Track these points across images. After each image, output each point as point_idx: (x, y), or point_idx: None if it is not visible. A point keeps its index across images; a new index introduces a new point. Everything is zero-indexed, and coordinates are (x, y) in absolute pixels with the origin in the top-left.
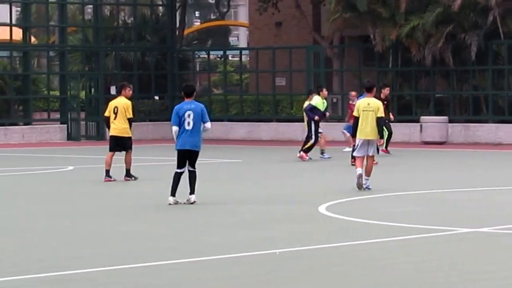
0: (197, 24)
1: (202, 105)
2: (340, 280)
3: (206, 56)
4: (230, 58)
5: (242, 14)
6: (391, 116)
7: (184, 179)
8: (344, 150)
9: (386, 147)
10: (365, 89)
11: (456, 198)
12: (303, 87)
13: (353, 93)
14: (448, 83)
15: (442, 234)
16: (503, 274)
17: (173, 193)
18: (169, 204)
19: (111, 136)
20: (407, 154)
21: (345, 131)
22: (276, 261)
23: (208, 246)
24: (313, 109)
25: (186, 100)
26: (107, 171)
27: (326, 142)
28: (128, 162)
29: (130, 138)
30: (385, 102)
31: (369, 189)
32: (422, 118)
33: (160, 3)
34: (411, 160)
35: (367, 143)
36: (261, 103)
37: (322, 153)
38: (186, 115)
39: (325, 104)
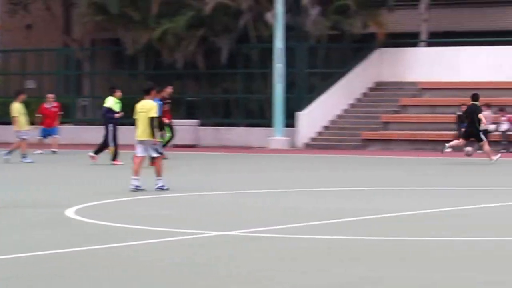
0: None
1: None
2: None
3: None
4: None
5: None
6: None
7: None
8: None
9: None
10: (144, 92)
11: (205, 201)
12: (55, 90)
13: (50, 95)
14: (199, 86)
15: (191, 237)
16: (255, 276)
17: None
18: None
19: None
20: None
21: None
22: (18, 266)
23: None
24: (109, 111)
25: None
26: None
27: (27, 145)
28: None
29: None
30: (170, 101)
31: (163, 189)
32: (173, 121)
33: None
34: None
35: (143, 144)
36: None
37: (23, 156)
38: None
39: (120, 105)
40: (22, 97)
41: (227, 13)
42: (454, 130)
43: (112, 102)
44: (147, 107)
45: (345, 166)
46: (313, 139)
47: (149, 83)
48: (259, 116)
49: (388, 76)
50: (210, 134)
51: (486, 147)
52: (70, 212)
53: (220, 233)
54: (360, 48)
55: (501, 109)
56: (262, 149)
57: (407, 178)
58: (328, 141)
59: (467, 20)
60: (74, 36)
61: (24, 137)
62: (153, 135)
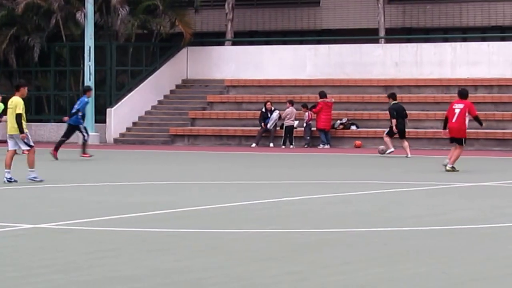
0: None
1: None
2: None
3: None
4: None
5: None
6: None
7: None
8: None
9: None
10: (14, 88)
11: (12, 194)
12: None
13: None
14: (11, 84)
15: (3, 230)
16: (59, 268)
17: None
18: None
19: None
20: None
21: None
22: None
23: None
24: None
25: None
26: None
27: None
28: None
29: None
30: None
31: (35, 180)
32: None
33: None
34: None
35: (12, 138)
36: None
37: None
38: None
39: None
40: None
41: (38, 13)
42: (258, 126)
43: None
44: (14, 104)
45: (153, 160)
46: (123, 135)
47: (20, 80)
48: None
49: (196, 74)
50: None
51: (406, 143)
52: None
53: (33, 226)
54: (168, 46)
55: (304, 105)
56: (73, 144)
57: (214, 172)
58: (137, 137)
59: (271, 19)
60: None
61: None
62: (20, 129)
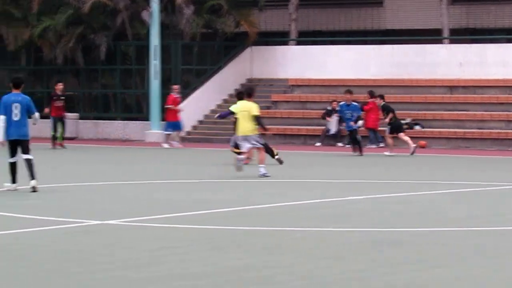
0: None
1: (28, 97)
2: None
3: None
4: None
5: None
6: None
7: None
8: None
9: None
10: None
11: (85, 192)
12: None
13: None
14: (78, 82)
15: (72, 226)
16: (127, 264)
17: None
18: (12, 190)
19: None
20: (41, 149)
21: None
22: None
23: None
24: None
25: (14, 91)
26: None
27: None
28: None
29: None
30: (62, 98)
31: (265, 176)
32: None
33: None
34: (46, 155)
35: (246, 139)
36: None
37: None
38: (13, 106)
39: None
40: None
41: (104, 12)
42: (323, 126)
43: None
44: (248, 107)
45: (218, 159)
46: (188, 133)
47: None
48: (136, 111)
49: (260, 73)
50: (90, 127)
51: (390, 140)
52: None
53: (100, 222)
54: (232, 46)
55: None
56: (139, 142)
57: (279, 171)
58: (202, 135)
59: (335, 20)
60: None
61: None
62: (264, 128)
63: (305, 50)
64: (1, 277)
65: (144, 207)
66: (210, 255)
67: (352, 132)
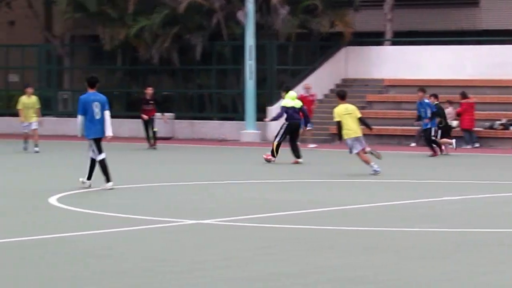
0: None
1: (105, 97)
2: (71, 269)
3: None
4: None
5: None
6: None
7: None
8: None
9: None
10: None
11: (178, 191)
12: (35, 83)
13: (29, 89)
14: (174, 82)
15: (168, 225)
16: (223, 263)
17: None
18: (111, 189)
19: None
20: (136, 148)
21: None
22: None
23: None
24: None
25: (90, 91)
26: None
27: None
28: None
29: None
30: (151, 102)
31: (376, 172)
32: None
33: None
34: (142, 154)
35: (357, 140)
36: None
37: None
38: (93, 105)
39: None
40: (29, 90)
41: (200, 12)
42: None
43: None
44: (351, 109)
45: (319, 159)
46: None
47: (343, 90)
48: (232, 111)
49: (355, 73)
50: (186, 127)
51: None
52: (53, 200)
53: (195, 221)
54: (327, 46)
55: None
56: (235, 142)
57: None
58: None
59: (430, 20)
60: (54, 33)
61: (25, 130)
62: (369, 128)
63: (400, 50)
64: (109, 274)
65: (238, 207)
66: (306, 254)
67: (426, 131)
